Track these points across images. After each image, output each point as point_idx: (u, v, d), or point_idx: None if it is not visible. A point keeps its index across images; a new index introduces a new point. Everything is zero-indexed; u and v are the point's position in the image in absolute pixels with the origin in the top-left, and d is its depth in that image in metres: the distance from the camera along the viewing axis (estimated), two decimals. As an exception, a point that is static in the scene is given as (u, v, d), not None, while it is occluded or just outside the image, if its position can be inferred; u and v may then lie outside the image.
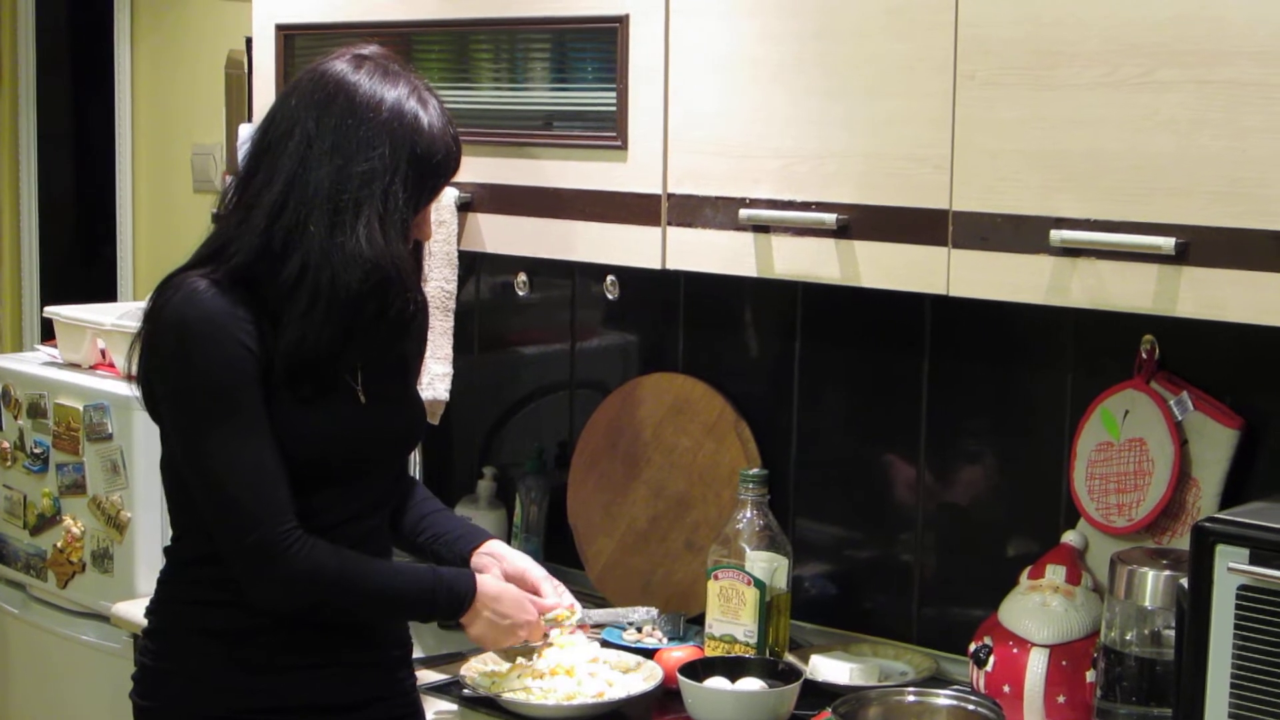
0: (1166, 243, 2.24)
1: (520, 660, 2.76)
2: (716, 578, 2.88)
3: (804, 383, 3.16)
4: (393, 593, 2.47)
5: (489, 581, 2.56)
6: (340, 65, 2.40)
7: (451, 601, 2.50)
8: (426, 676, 2.91)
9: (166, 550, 2.55)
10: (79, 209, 5.28)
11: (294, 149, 2.36)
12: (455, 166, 2.46)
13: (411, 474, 2.80)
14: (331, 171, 2.34)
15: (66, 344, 3.81)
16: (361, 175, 2.34)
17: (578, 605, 2.70)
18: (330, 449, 2.42)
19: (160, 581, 2.55)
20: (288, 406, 2.37)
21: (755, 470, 2.94)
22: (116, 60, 4.79)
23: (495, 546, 2.66)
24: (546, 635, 2.69)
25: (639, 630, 3.07)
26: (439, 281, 3.20)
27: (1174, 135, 2.24)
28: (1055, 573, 2.67)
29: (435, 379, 3.23)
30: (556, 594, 2.67)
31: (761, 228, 2.70)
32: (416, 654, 2.76)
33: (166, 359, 2.36)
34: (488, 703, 2.75)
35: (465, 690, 2.79)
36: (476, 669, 2.82)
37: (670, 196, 2.83)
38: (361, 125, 2.35)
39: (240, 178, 2.42)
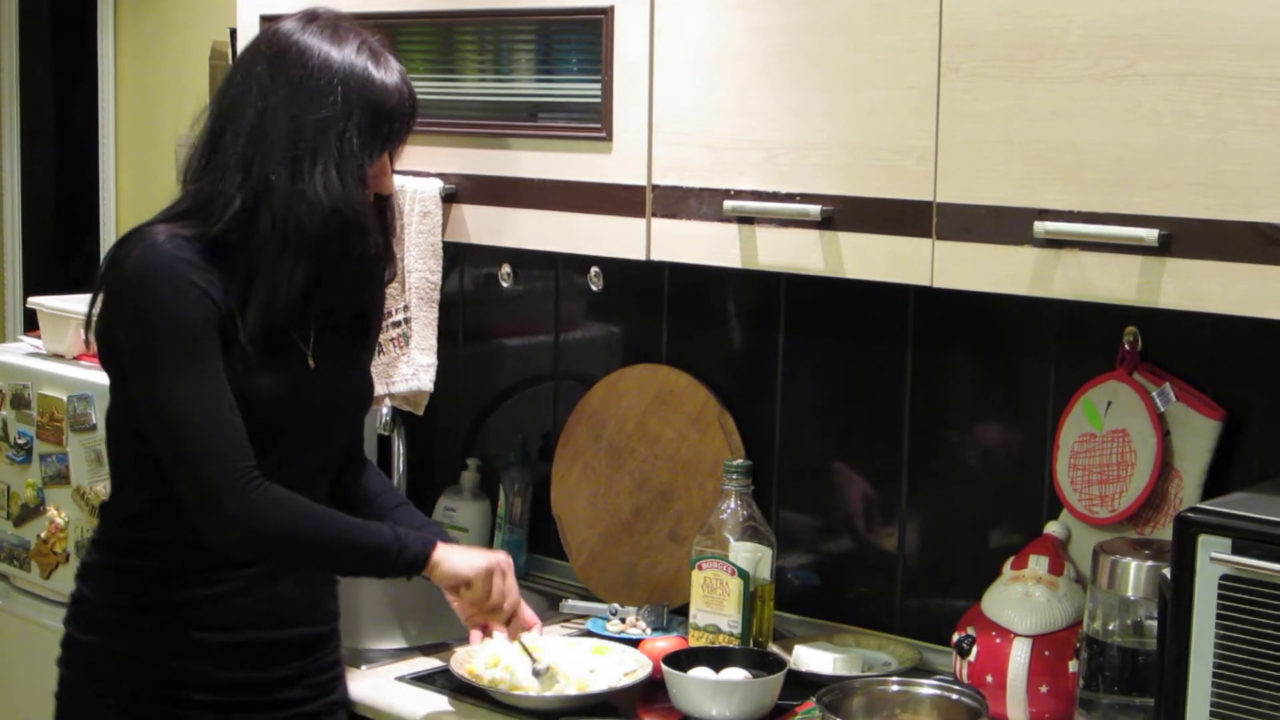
0: (1149, 234, 2.25)
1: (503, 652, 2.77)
2: (700, 568, 2.89)
3: (788, 374, 3.16)
4: (354, 533, 2.48)
5: None
6: (290, 23, 2.48)
7: (411, 546, 2.50)
8: (412, 666, 2.92)
9: (102, 506, 2.56)
10: (62, 200, 5.27)
11: (252, 105, 2.42)
12: (409, 113, 2.51)
13: (368, 458, 2.81)
14: (287, 122, 2.40)
15: (50, 335, 3.81)
16: (316, 124, 2.40)
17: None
18: (277, 411, 2.44)
19: (92, 540, 2.57)
20: (239, 369, 2.40)
21: (739, 461, 2.95)
22: (100, 51, 4.78)
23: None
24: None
25: (623, 621, 3.07)
26: (423, 272, 3.20)
27: (1156, 127, 2.25)
28: (1038, 563, 2.67)
29: (419, 370, 3.23)
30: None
31: (746, 219, 2.71)
32: (399, 645, 2.77)
33: (130, 306, 2.39)
34: (475, 692, 2.75)
35: (459, 675, 2.78)
36: (463, 660, 2.82)
37: (655, 188, 2.83)
38: (313, 76, 2.42)
39: (205, 142, 2.47)
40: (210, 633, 2.47)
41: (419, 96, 3.14)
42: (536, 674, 2.73)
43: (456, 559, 2.55)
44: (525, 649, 2.71)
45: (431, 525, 2.71)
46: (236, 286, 2.40)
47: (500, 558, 2.61)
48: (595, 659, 2.86)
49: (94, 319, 2.47)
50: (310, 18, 2.48)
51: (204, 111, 2.50)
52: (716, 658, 2.76)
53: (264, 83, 2.43)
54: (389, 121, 2.47)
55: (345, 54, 2.44)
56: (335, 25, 2.48)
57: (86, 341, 2.51)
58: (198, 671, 2.48)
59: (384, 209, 2.56)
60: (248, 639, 2.50)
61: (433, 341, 3.24)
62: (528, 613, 2.67)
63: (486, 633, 2.68)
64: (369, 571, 2.60)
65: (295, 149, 2.40)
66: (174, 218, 2.44)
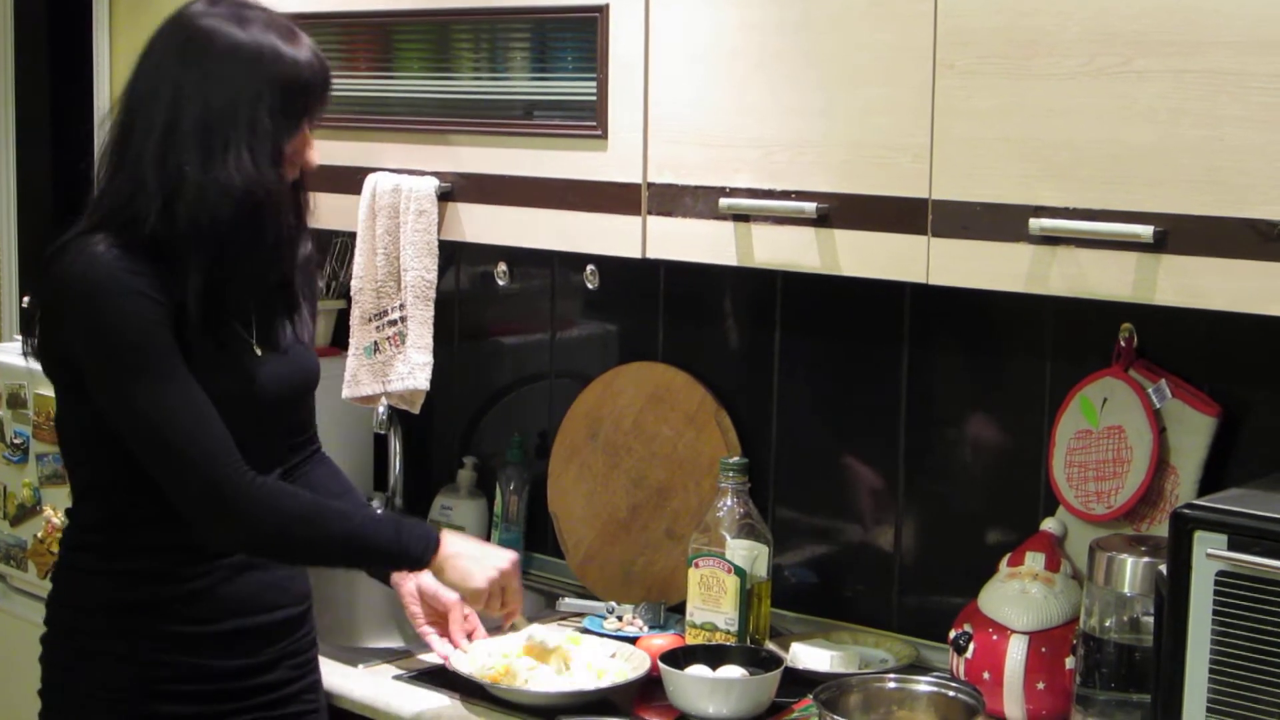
0: (1145, 231, 2.25)
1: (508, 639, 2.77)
2: (697, 566, 2.89)
3: (784, 371, 3.16)
4: (355, 527, 2.49)
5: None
6: (196, 7, 2.46)
7: (416, 540, 2.51)
8: (410, 666, 2.91)
9: (68, 512, 2.56)
10: (57, 199, 5.26)
11: (162, 96, 2.40)
12: (323, 86, 2.49)
13: (345, 460, 2.81)
14: (198, 110, 2.38)
15: (46, 334, 3.80)
16: (226, 108, 2.39)
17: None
18: (232, 407, 2.43)
19: (62, 545, 2.57)
20: (194, 370, 2.39)
21: (735, 459, 2.95)
22: (95, 49, 4.77)
23: None
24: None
25: (620, 619, 3.07)
26: (419, 271, 3.19)
27: (1152, 124, 2.25)
28: (1035, 560, 2.68)
29: (415, 368, 3.23)
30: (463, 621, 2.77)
31: (742, 217, 2.70)
32: (397, 644, 2.76)
33: (81, 322, 2.38)
34: (474, 690, 2.75)
35: (460, 672, 2.78)
36: (463, 658, 2.82)
37: (650, 186, 2.83)
38: (222, 60, 2.40)
39: (117, 138, 2.46)
40: (192, 625, 2.48)
41: (416, 95, 3.16)
42: (515, 629, 2.76)
43: (466, 561, 2.54)
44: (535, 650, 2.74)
45: None
46: (174, 286, 2.38)
47: (510, 563, 2.61)
48: (571, 648, 2.85)
49: (35, 332, 2.46)
50: (214, 2, 2.47)
51: (115, 106, 2.49)
52: (713, 655, 2.76)
53: (173, 72, 2.41)
54: (302, 96, 2.46)
55: (252, 34, 2.42)
56: (240, 6, 2.46)
57: (26, 354, 2.51)
58: (182, 664, 2.48)
59: (299, 188, 2.55)
60: (230, 628, 2.50)
61: (428, 340, 3.23)
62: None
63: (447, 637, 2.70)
64: (368, 564, 2.60)
65: (208, 136, 2.38)
66: (103, 223, 2.42)
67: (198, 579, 2.47)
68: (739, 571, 2.85)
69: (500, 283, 3.58)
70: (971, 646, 2.66)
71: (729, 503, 2.91)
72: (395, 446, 3.66)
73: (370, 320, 3.26)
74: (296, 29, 2.48)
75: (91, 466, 2.50)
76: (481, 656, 2.79)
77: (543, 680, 2.73)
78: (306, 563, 2.54)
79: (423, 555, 2.51)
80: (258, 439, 2.49)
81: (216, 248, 2.38)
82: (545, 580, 3.46)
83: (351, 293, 3.29)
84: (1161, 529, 2.53)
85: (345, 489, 2.77)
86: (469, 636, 2.82)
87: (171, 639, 2.47)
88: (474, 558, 2.58)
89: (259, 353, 2.51)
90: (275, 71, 2.41)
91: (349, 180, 3.23)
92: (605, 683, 2.75)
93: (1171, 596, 2.18)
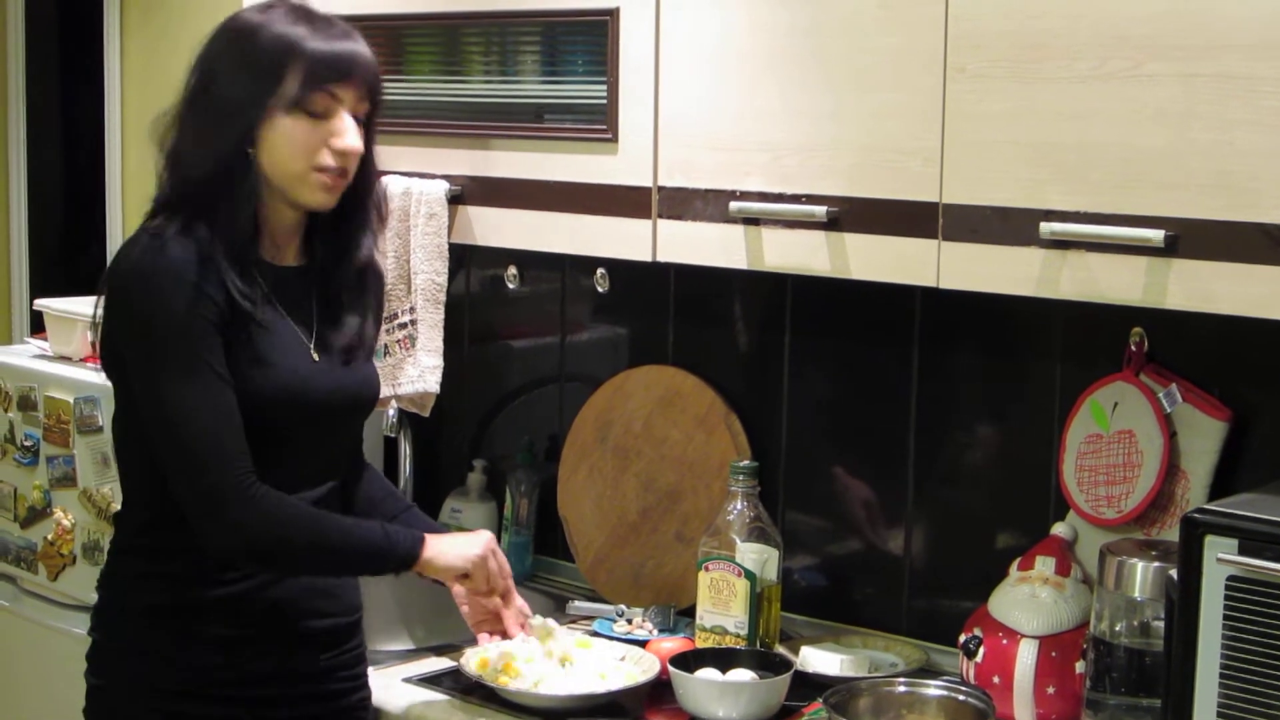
0: (1155, 235, 2.25)
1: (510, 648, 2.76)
2: (707, 569, 2.89)
3: (794, 375, 3.16)
4: (346, 535, 2.47)
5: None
6: (244, 15, 2.49)
7: (404, 537, 2.51)
8: (419, 668, 2.91)
9: (116, 516, 2.56)
10: (68, 201, 5.27)
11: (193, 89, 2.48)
12: (308, 63, 2.41)
13: (369, 461, 2.79)
14: (188, 91, 2.48)
15: (57, 336, 3.81)
16: (200, 83, 2.46)
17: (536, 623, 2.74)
18: (282, 409, 2.43)
19: (110, 551, 2.56)
20: (243, 363, 2.38)
21: (746, 462, 2.95)
22: (106, 52, 4.78)
23: None
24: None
25: (630, 622, 3.07)
26: (429, 274, 3.20)
27: (1162, 128, 2.25)
28: (1045, 564, 2.67)
29: (425, 371, 3.23)
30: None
31: (752, 220, 2.71)
32: (406, 646, 2.74)
33: (128, 307, 2.39)
34: (484, 692, 2.75)
35: (470, 674, 2.77)
36: (473, 660, 2.82)
37: (660, 189, 2.83)
38: (215, 41, 2.47)
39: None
40: (238, 628, 2.47)
41: (426, 99, 3.16)
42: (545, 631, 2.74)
43: (449, 553, 2.54)
44: (535, 631, 2.72)
45: (436, 529, 2.69)
46: (222, 278, 2.39)
47: (487, 539, 2.61)
48: (580, 652, 2.84)
49: (98, 324, 2.46)
50: (266, 7, 2.48)
51: None
52: (723, 659, 2.76)
53: (205, 68, 2.49)
54: (277, 66, 2.41)
55: (252, 15, 2.45)
56: (286, 5, 2.47)
57: (94, 344, 2.50)
58: (226, 668, 2.47)
59: (362, 190, 2.53)
60: (276, 632, 2.49)
61: (439, 343, 3.24)
62: (519, 599, 2.68)
63: (498, 633, 2.67)
64: (361, 571, 2.59)
65: (188, 111, 2.47)
66: (159, 211, 2.45)
67: (239, 582, 2.46)
68: (749, 575, 2.85)
69: (510, 286, 3.58)
70: (981, 651, 2.65)
71: (739, 506, 2.91)
72: (405, 450, 3.66)
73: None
74: (323, 18, 2.44)
75: (138, 468, 2.49)
76: (495, 659, 2.79)
77: (552, 683, 2.73)
78: (301, 572, 2.51)
79: (411, 550, 2.50)
80: (312, 448, 2.50)
81: (198, 212, 2.39)
82: (555, 583, 3.46)
83: (362, 296, 3.29)
84: (1172, 533, 2.53)
85: (388, 491, 2.75)
86: (522, 626, 2.77)
87: (214, 642, 2.46)
88: (458, 540, 2.58)
89: (316, 358, 2.50)
90: (233, 43, 2.44)
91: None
92: (614, 686, 2.74)
93: (1182, 601, 2.18)
